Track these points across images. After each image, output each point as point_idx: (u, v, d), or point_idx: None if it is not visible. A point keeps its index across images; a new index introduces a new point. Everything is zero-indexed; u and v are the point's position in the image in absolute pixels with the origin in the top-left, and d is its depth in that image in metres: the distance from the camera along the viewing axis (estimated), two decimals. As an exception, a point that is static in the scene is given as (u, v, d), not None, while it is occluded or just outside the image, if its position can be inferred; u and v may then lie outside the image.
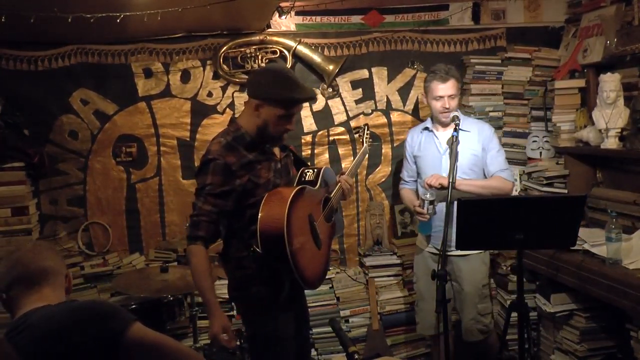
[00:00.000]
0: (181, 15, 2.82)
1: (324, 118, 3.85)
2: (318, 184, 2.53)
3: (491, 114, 3.82)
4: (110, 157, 3.67)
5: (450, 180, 2.72)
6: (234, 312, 3.44)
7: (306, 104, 3.72)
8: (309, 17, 3.72)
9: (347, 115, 3.87)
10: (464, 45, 3.88)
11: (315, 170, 2.60)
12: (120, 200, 3.70)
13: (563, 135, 3.59)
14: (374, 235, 3.91)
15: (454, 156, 2.77)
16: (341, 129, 3.87)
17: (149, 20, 2.79)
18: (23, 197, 3.32)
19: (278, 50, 3.67)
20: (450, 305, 3.04)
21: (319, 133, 3.85)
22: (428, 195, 3.02)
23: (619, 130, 3.17)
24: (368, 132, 3.27)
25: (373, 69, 3.85)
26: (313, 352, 3.70)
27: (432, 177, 3.06)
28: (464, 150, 3.05)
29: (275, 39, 3.68)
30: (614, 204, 3.22)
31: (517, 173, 3.79)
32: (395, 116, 3.90)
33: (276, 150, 2.50)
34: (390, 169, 3.92)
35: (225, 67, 3.65)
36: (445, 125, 3.19)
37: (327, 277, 3.68)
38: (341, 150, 3.89)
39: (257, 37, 3.66)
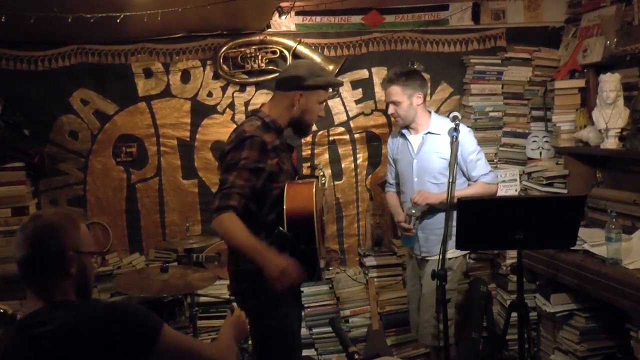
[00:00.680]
0: (181, 15, 2.83)
1: (324, 118, 3.77)
2: None
3: (491, 114, 3.82)
4: (111, 157, 3.67)
5: (451, 180, 2.77)
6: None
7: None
8: (309, 17, 3.72)
9: (347, 115, 3.87)
10: (464, 45, 3.88)
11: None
12: (120, 200, 3.70)
13: (563, 136, 3.59)
14: (374, 235, 3.91)
15: (454, 156, 2.81)
16: (341, 129, 3.88)
17: (149, 20, 2.79)
18: (23, 197, 3.31)
19: (278, 50, 3.67)
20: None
21: (319, 133, 3.85)
22: (414, 211, 3.02)
23: (619, 130, 3.17)
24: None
25: (373, 69, 3.84)
26: (313, 352, 3.71)
27: (419, 196, 3.01)
28: (431, 154, 3.04)
29: (275, 39, 3.68)
30: (614, 204, 3.22)
31: (517, 173, 3.79)
32: (395, 116, 3.91)
33: None
34: (390, 169, 3.93)
35: (225, 67, 3.66)
36: (414, 129, 3.14)
37: (327, 277, 3.73)
38: (341, 150, 3.89)
39: (257, 37, 3.66)
